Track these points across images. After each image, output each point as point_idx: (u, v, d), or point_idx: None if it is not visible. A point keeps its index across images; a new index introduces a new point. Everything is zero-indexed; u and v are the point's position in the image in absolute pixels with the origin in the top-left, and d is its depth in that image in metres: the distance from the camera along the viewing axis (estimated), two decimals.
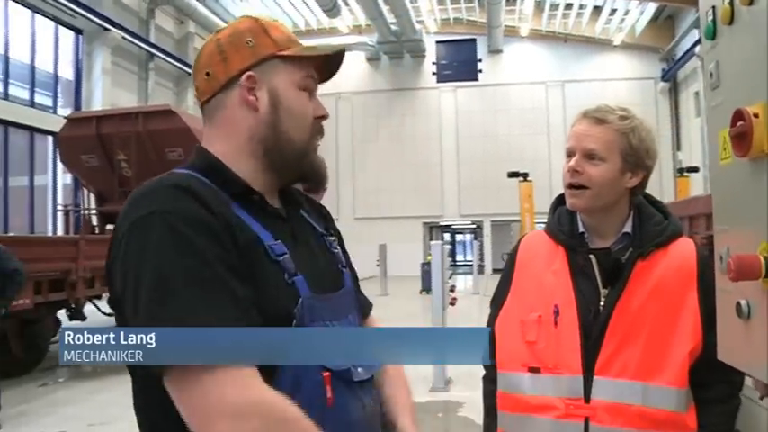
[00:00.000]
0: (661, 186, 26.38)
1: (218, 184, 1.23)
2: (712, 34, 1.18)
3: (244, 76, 1.27)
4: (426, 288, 21.90)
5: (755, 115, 0.99)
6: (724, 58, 1.15)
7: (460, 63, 32.89)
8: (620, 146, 1.72)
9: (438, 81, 32.88)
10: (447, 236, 41.37)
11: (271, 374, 1.12)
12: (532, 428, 1.71)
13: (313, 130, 1.34)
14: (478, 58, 32.68)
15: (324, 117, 1.37)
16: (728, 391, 1.70)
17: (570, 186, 1.75)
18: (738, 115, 1.01)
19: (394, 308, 18.13)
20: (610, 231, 1.79)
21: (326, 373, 1.19)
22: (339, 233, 1.52)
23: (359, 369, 1.27)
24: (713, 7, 1.16)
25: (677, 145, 29.68)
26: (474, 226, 34.94)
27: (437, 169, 32.52)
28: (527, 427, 1.72)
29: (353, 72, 31.45)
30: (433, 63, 32.98)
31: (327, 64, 1.38)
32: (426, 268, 22.85)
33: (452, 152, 32.55)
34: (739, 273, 1.01)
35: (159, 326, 1.05)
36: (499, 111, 32.20)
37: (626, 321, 1.68)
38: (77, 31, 19.92)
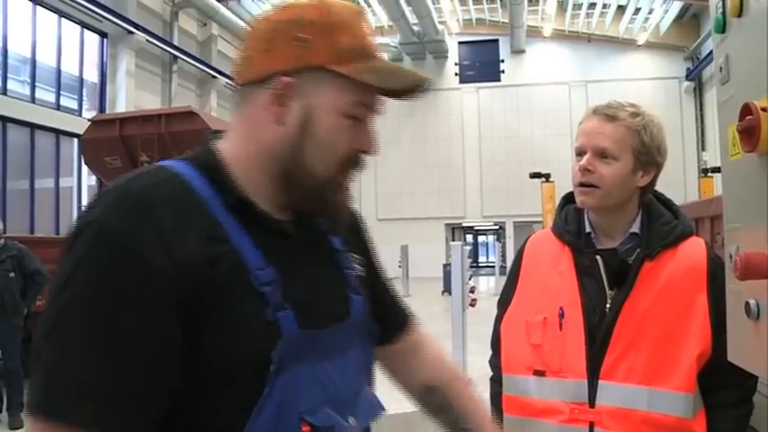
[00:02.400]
0: (685, 187, 26.07)
1: (215, 188, 1.05)
2: (722, 27, 1.14)
3: (279, 80, 1.04)
4: (448, 289, 21.89)
5: (764, 109, 0.95)
6: (734, 51, 1.12)
7: (483, 63, 32.79)
8: (632, 144, 1.68)
9: (460, 82, 32.81)
10: (469, 237, 41.31)
11: (244, 420, 0.97)
12: None
13: (345, 164, 1.10)
14: (501, 58, 32.57)
15: (366, 151, 1.13)
16: (740, 396, 1.66)
17: (581, 185, 1.71)
18: (746, 109, 0.98)
19: (415, 309, 18.09)
20: (617, 231, 1.75)
21: (306, 428, 1.01)
22: (366, 243, 1.36)
23: (350, 420, 1.09)
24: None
25: (702, 145, 29.32)
26: (496, 227, 34.82)
27: (459, 170, 32.47)
28: (532, 430, 1.70)
29: None
30: (456, 64, 32.91)
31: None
32: (448, 269, 22.86)
33: (475, 153, 32.45)
34: (746, 271, 0.98)
35: (39, 366, 0.91)
36: (522, 111, 32.06)
37: (632, 324, 1.64)
38: (102, 35, 20.12)
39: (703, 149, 28.99)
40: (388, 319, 1.36)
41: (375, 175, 32.45)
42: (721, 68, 1.16)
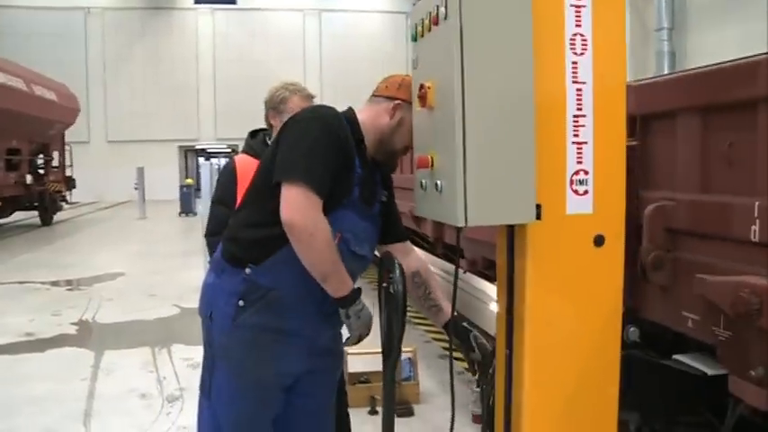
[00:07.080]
0: None
1: (350, 129, 2.25)
2: (415, 38, 2.14)
3: (394, 102, 2.31)
4: (186, 210, 22.06)
5: (428, 87, 1.97)
6: (420, 53, 2.12)
7: None
8: None
9: (196, 2, 32.00)
10: (202, 159, 40.93)
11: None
12: None
13: (403, 149, 2.38)
14: None
15: (408, 148, 2.36)
16: None
17: None
18: (421, 86, 2.00)
19: (154, 232, 17.89)
20: None
21: (339, 235, 2.19)
22: (392, 191, 2.53)
23: (357, 248, 2.29)
24: (416, 23, 2.11)
25: None
26: (230, 150, 34.99)
27: (194, 92, 32.13)
28: None
29: None
30: None
31: None
32: (185, 191, 22.92)
33: (209, 76, 32.20)
34: (419, 164, 2.03)
35: (292, 162, 2.10)
36: (257, 36, 32.31)
37: None
38: None
39: None
40: (395, 229, 2.56)
41: (105, 94, 30.90)
42: (414, 61, 2.17)
